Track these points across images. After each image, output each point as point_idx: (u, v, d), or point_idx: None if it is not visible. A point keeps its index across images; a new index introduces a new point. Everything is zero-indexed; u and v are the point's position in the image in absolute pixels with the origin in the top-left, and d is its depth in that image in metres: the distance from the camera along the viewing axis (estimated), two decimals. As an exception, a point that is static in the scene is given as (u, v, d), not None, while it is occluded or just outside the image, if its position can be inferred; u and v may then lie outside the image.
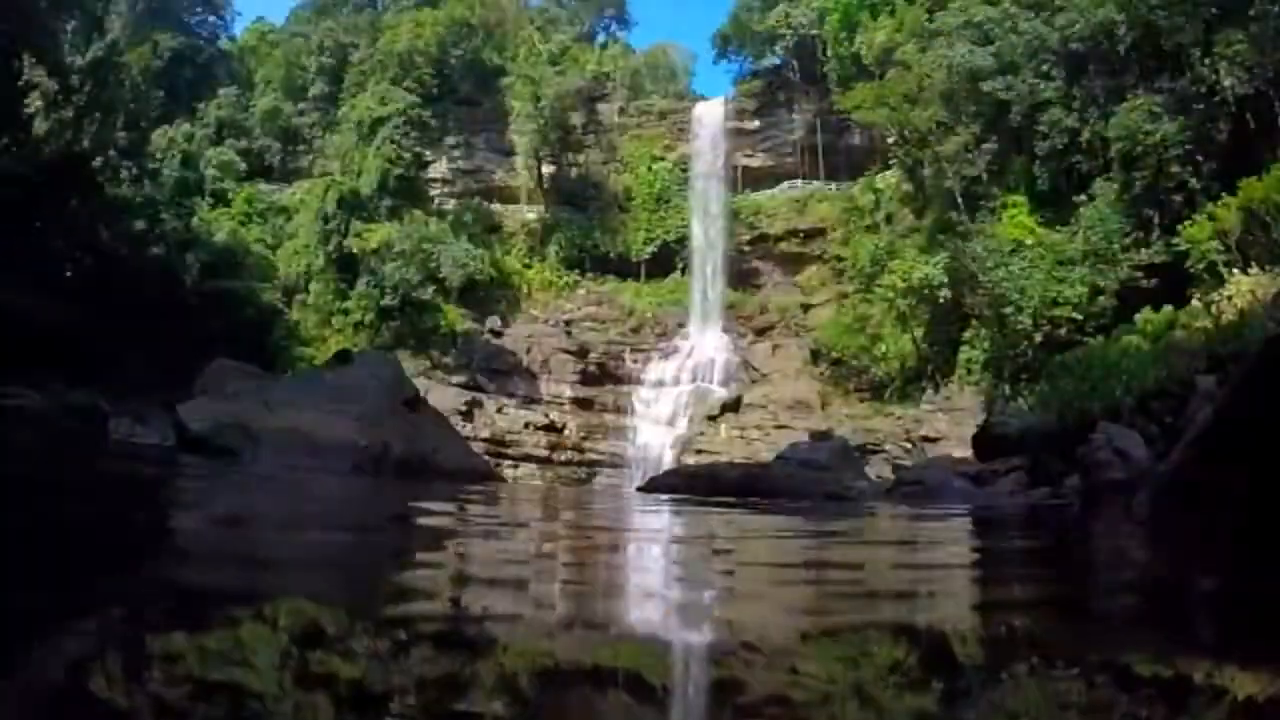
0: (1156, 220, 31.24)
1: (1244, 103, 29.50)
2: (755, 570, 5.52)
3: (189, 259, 40.65)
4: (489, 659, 2.70)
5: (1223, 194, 27.10)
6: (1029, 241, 34.23)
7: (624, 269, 53.82)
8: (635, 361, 47.56)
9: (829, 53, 51.17)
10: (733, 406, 41.78)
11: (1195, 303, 25.28)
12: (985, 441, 19.11)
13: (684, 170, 55.68)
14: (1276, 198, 25.14)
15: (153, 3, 59.80)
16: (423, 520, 7.99)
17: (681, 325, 49.86)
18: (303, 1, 68.71)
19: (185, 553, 4.67)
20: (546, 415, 43.66)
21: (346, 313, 47.04)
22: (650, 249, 53.75)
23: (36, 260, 29.48)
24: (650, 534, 8.33)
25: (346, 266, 47.94)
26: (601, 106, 59.44)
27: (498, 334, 48.20)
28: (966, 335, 36.37)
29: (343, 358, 21.14)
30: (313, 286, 48.50)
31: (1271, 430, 5.25)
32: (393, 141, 52.23)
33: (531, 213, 56.16)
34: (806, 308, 48.87)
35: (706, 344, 48.12)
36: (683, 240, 53.33)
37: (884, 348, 40.54)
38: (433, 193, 56.87)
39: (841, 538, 8.04)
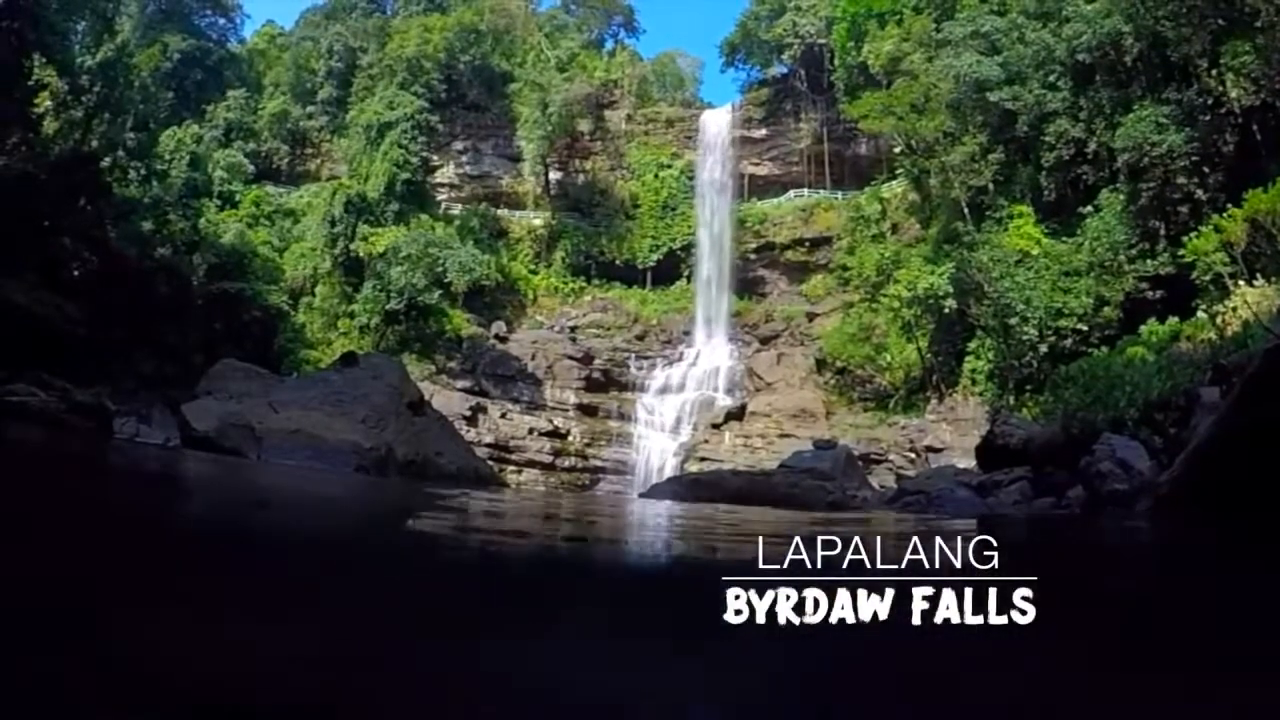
0: (1162, 231, 31.14)
1: (1250, 114, 29.40)
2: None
3: (196, 260, 40.79)
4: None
5: (1229, 205, 26.95)
6: (1035, 252, 34.16)
7: (630, 276, 53.90)
8: (640, 368, 47.59)
9: (836, 62, 51.24)
10: (737, 415, 41.76)
11: (1200, 314, 25.22)
12: (989, 452, 19.03)
13: (690, 178, 55.81)
14: (1282, 210, 25.04)
15: (163, 5, 60.21)
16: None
17: (687, 333, 49.93)
18: (312, 5, 69.06)
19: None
20: (551, 421, 43.67)
21: (352, 316, 47.12)
22: (656, 256, 53.89)
23: (44, 260, 29.56)
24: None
25: (353, 270, 48.05)
26: (609, 113, 59.59)
27: (503, 339, 48.26)
28: (971, 345, 36.31)
29: (348, 360, 21.20)
30: (319, 289, 48.64)
31: (1272, 442, 5.25)
32: (400, 146, 52.49)
33: (538, 219, 56.28)
34: (811, 316, 48.89)
35: (711, 352, 48.14)
36: (689, 248, 53.46)
37: (889, 357, 40.54)
38: (440, 198, 57.09)
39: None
